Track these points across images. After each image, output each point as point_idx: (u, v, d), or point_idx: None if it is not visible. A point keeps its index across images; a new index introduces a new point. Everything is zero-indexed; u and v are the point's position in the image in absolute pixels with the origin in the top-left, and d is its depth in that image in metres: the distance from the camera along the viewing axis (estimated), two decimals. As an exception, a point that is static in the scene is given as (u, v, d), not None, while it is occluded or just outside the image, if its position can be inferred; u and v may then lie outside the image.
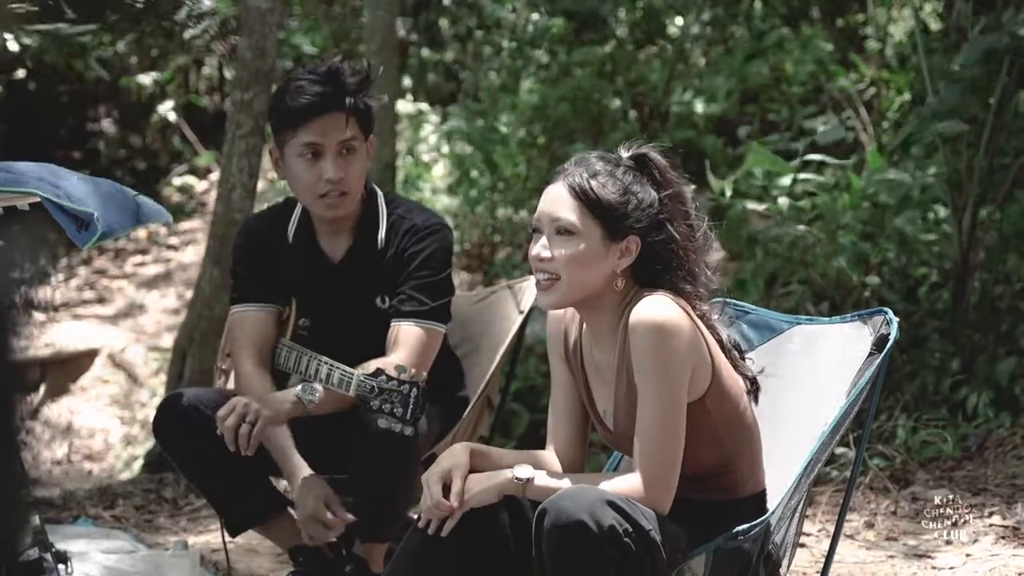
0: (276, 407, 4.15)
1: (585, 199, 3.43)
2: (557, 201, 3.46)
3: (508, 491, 3.45)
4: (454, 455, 3.51)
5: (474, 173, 10.58)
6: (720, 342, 3.52)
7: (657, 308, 3.36)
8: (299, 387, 4.16)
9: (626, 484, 3.34)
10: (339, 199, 4.32)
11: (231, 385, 4.55)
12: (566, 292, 3.46)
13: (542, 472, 3.46)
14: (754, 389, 3.60)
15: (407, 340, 4.32)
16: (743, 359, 3.62)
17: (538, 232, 3.49)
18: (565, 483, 3.36)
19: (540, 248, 3.47)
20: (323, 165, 4.28)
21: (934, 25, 9.05)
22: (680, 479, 3.44)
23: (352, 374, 4.02)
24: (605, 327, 3.51)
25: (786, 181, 7.45)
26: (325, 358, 4.16)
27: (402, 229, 4.41)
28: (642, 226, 3.44)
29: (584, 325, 3.60)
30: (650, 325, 3.34)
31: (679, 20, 10.85)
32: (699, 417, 3.42)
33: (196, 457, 4.34)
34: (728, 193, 7.36)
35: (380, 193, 4.49)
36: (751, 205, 7.28)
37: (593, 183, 3.44)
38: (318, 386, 4.15)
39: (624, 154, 3.54)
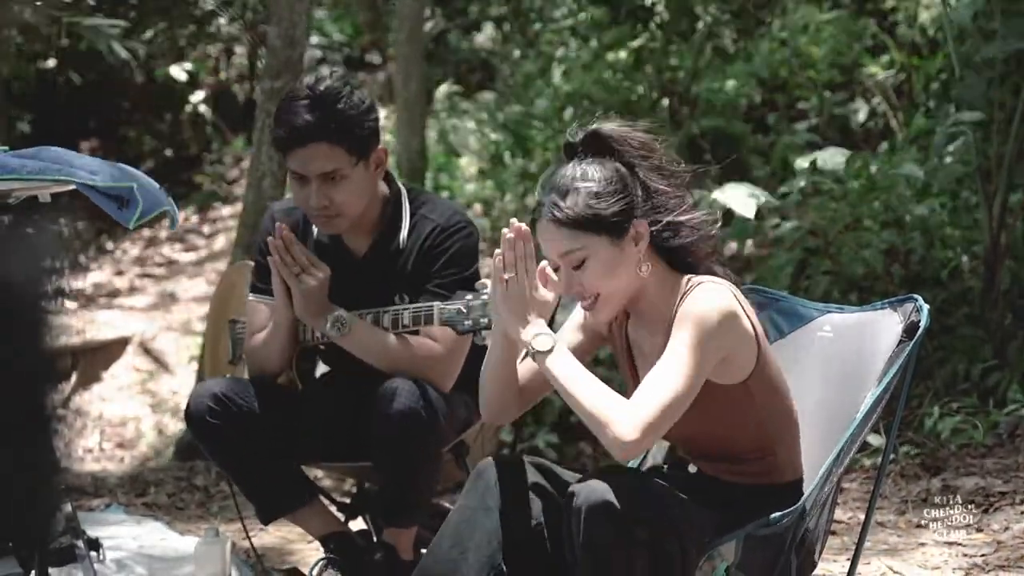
0: (316, 311, 4.28)
1: (573, 223, 3.38)
2: (552, 238, 3.41)
3: (514, 358, 3.49)
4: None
5: (507, 157, 10.58)
6: None
7: (711, 292, 3.36)
8: (330, 315, 4.26)
9: (619, 408, 3.26)
10: (329, 220, 4.32)
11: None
12: (611, 304, 3.45)
13: (566, 354, 3.38)
14: None
15: (437, 339, 4.32)
16: None
17: (557, 269, 3.46)
18: (575, 375, 3.32)
19: (567, 282, 3.44)
20: (308, 191, 4.28)
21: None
22: (720, 460, 3.47)
23: (431, 306, 4.11)
24: (654, 312, 3.49)
25: (801, 178, 7.41)
26: (380, 308, 4.27)
27: (425, 229, 4.39)
28: (635, 206, 3.41)
29: (631, 313, 3.59)
30: (699, 301, 3.33)
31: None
32: (742, 399, 3.42)
33: (227, 446, 4.36)
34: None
35: (404, 191, 4.47)
36: (765, 199, 7.27)
37: (568, 202, 3.37)
38: (345, 324, 4.25)
39: (576, 139, 3.49)
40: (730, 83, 10.12)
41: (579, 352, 3.57)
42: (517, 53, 12.11)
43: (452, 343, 4.25)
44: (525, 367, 3.57)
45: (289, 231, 4.28)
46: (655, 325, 3.48)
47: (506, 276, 3.41)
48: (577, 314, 3.65)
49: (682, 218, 3.44)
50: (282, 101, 4.41)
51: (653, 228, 3.42)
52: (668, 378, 3.27)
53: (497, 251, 3.43)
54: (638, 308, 3.53)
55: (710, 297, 3.34)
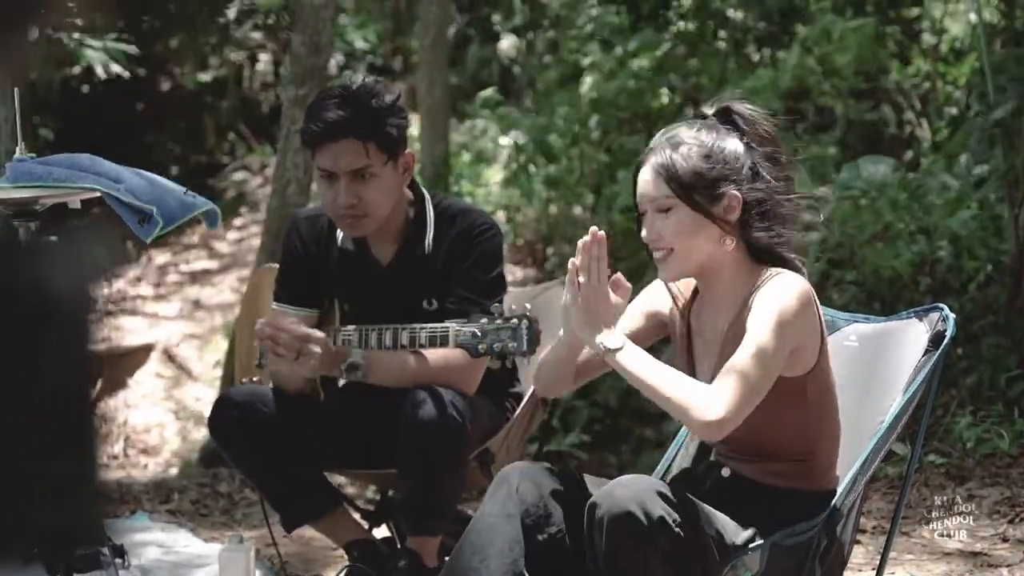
0: (328, 367, 4.22)
1: (672, 174, 3.44)
2: (647, 183, 3.48)
3: (577, 353, 3.52)
4: None
5: (531, 168, 10.57)
6: None
7: (791, 279, 3.40)
8: (345, 361, 4.21)
9: (699, 390, 3.32)
10: (356, 221, 4.31)
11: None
12: (682, 262, 3.48)
13: (635, 349, 3.42)
14: None
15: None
16: None
17: (643, 215, 3.51)
18: (651, 366, 3.36)
19: (647, 229, 3.49)
20: (336, 189, 4.28)
21: (989, 16, 8.98)
22: (758, 458, 3.47)
23: (446, 328, 4.07)
24: (724, 295, 3.51)
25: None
26: (399, 325, 4.21)
27: (450, 233, 4.39)
28: (736, 181, 3.45)
29: (697, 295, 3.61)
30: (781, 286, 3.37)
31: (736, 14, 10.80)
32: (796, 394, 3.43)
33: (251, 454, 4.37)
34: None
35: (428, 196, 4.48)
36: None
37: (676, 156, 3.44)
38: (361, 364, 4.20)
39: (708, 111, 3.55)
40: (755, 91, 10.09)
41: (639, 337, 3.60)
42: (541, 60, 12.11)
43: None
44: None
45: (273, 329, 4.19)
46: (722, 309, 3.51)
47: (580, 279, 3.42)
48: (640, 301, 3.70)
49: (778, 209, 3.47)
50: (314, 100, 4.44)
51: (746, 206, 3.45)
52: (749, 361, 3.29)
53: (572, 259, 3.45)
54: (710, 287, 3.55)
55: (790, 286, 3.38)
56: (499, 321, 3.90)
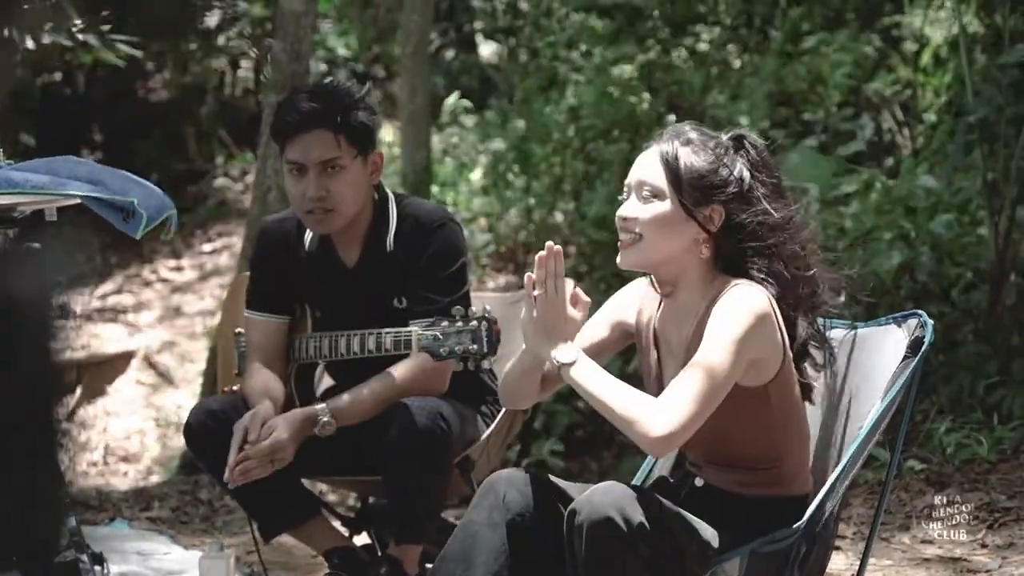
0: (306, 431, 4.21)
1: (673, 164, 3.47)
2: (646, 166, 3.52)
3: (541, 365, 3.53)
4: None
5: (509, 176, 10.57)
6: (794, 340, 3.54)
7: (748, 292, 3.41)
8: (316, 425, 4.20)
9: (646, 404, 3.31)
10: (324, 216, 4.32)
11: None
12: (646, 253, 3.49)
13: (588, 363, 3.43)
14: (806, 393, 3.61)
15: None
16: (810, 364, 3.62)
17: (627, 195, 3.53)
18: (600, 380, 3.37)
19: (624, 208, 3.51)
20: (306, 183, 4.29)
21: (972, 27, 9.00)
22: (729, 467, 3.49)
23: (409, 332, 4.10)
24: (687, 303, 3.53)
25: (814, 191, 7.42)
26: (366, 331, 4.21)
27: (409, 230, 4.41)
28: (728, 197, 3.47)
29: (662, 304, 3.62)
30: (737, 299, 3.38)
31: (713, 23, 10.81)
32: (758, 403, 3.44)
33: (225, 463, 4.34)
34: None
35: (392, 197, 4.49)
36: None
37: (684, 151, 3.48)
38: (332, 422, 4.21)
39: (723, 136, 3.58)
40: (741, 101, 10.10)
41: (604, 346, 3.70)
42: (525, 68, 12.10)
43: None
44: None
45: (241, 461, 4.15)
46: (685, 317, 3.53)
47: (535, 293, 3.42)
48: (605, 310, 3.74)
49: (764, 238, 3.49)
50: (286, 96, 4.48)
51: (729, 221, 3.48)
52: (699, 375, 3.31)
53: (528, 272, 3.45)
54: (675, 294, 3.56)
55: (746, 298, 3.39)
56: (460, 324, 3.92)
